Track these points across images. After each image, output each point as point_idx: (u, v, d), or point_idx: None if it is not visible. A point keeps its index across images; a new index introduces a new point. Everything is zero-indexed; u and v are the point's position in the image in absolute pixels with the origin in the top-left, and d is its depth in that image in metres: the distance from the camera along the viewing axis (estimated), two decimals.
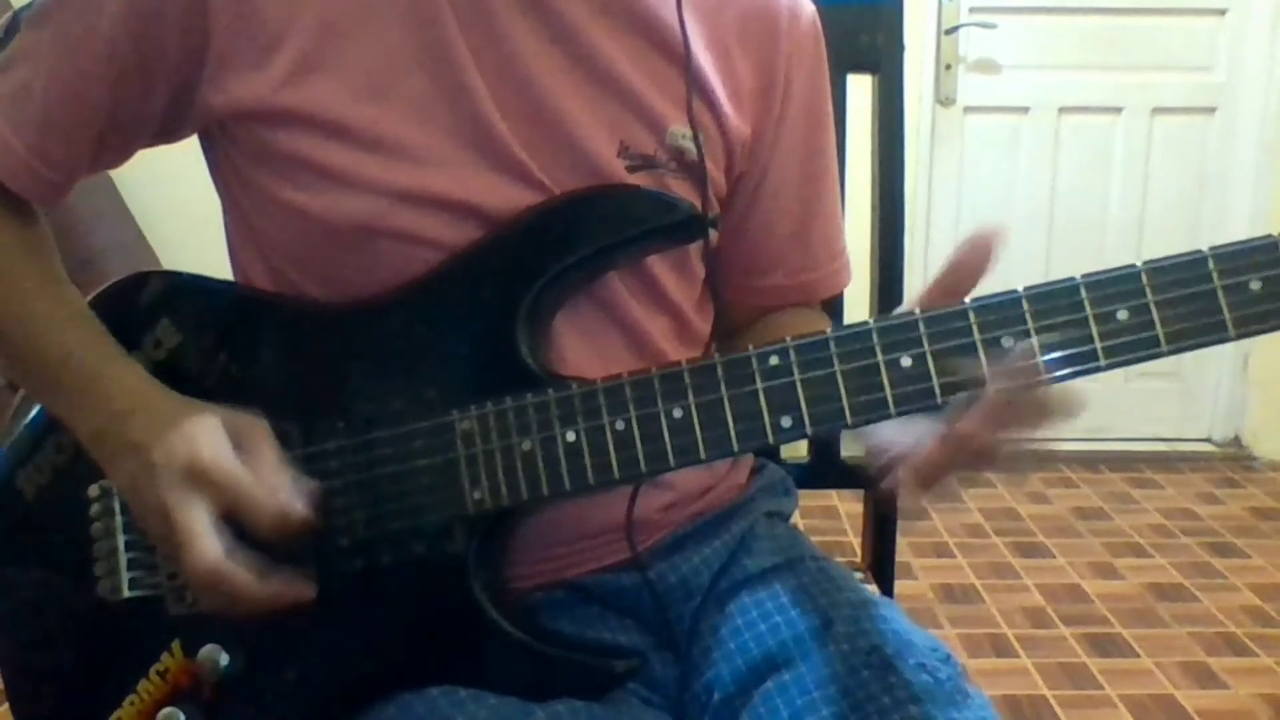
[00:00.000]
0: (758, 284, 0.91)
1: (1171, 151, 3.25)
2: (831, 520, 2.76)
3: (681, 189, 0.78)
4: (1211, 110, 3.25)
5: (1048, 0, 3.17)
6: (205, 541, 0.67)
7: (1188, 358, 3.78)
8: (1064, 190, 3.27)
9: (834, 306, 1.10)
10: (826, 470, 1.17)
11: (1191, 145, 3.26)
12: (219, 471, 0.68)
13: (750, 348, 0.67)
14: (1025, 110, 3.25)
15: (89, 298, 0.79)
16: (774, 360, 0.67)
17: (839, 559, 0.89)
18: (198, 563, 0.67)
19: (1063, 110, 3.24)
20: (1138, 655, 2.20)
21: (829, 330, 0.66)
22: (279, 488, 0.69)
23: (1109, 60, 3.20)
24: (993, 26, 3.15)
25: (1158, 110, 3.24)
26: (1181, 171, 3.26)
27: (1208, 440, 3.39)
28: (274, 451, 0.71)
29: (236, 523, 0.69)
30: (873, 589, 1.09)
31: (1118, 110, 3.24)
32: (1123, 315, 0.63)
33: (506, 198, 0.74)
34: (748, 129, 0.83)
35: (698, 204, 0.77)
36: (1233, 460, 3.31)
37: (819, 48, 0.88)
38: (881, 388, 0.65)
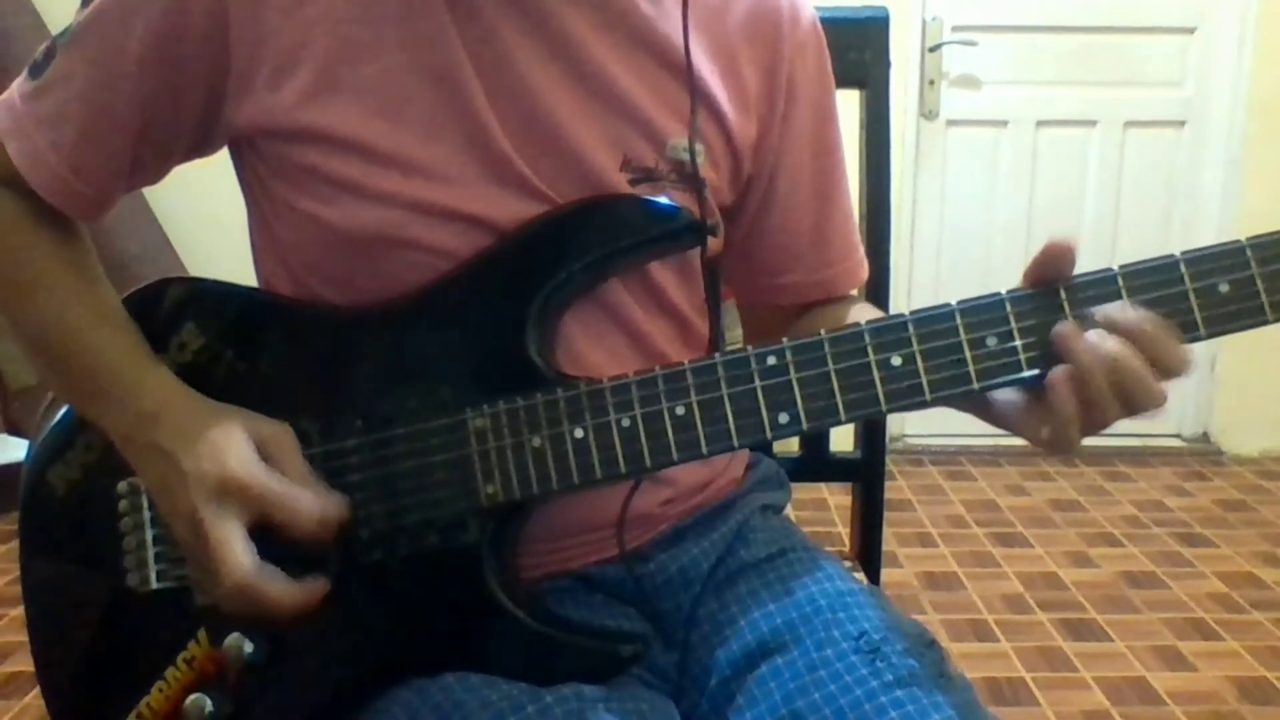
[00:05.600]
0: (777, 283, 0.89)
1: (1143, 163, 3.26)
2: (821, 512, 2.76)
3: (683, 200, 0.78)
4: (1181, 124, 3.25)
5: (1026, 19, 3.17)
6: (237, 556, 0.67)
7: None
8: (1041, 200, 3.27)
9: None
10: (817, 464, 1.17)
11: (1162, 157, 3.26)
12: (250, 483, 0.68)
13: (749, 348, 0.67)
14: (1004, 124, 3.25)
15: None
16: (771, 360, 0.67)
17: (829, 549, 0.89)
18: (230, 576, 0.67)
19: (1040, 124, 3.24)
20: (1111, 640, 2.20)
21: (823, 332, 0.67)
22: (312, 495, 0.69)
23: (1084, 76, 3.20)
24: (974, 44, 3.15)
25: (1130, 124, 3.24)
26: (1153, 182, 3.26)
27: (1177, 436, 3.39)
28: (300, 459, 0.71)
29: (264, 529, 0.69)
30: (860, 577, 1.09)
31: (1092, 124, 3.24)
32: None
33: (513, 210, 0.74)
34: (754, 131, 0.83)
35: (697, 213, 0.77)
36: (1201, 455, 3.31)
37: (821, 48, 0.86)
38: (873, 385, 0.65)
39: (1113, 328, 0.63)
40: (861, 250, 0.93)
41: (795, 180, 0.86)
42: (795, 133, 0.85)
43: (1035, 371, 0.64)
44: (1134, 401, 0.63)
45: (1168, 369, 0.63)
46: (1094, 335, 0.63)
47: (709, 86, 0.79)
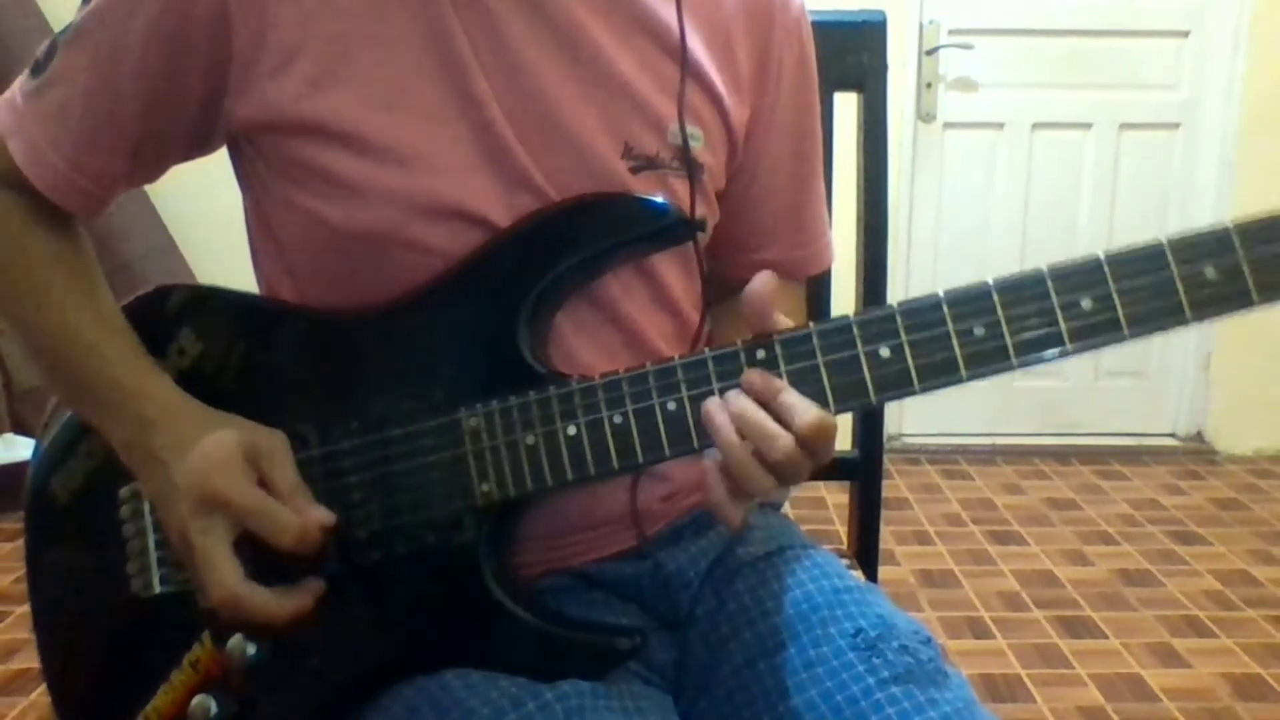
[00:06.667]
0: (753, 259, 0.89)
1: (1138, 165, 3.25)
2: (819, 510, 2.76)
3: (683, 187, 0.78)
4: (1175, 126, 3.24)
5: (1022, 22, 3.17)
6: (222, 570, 0.68)
7: (1153, 358, 3.76)
8: (1037, 201, 3.27)
9: (821, 294, 1.09)
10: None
11: (1157, 159, 3.25)
12: (233, 499, 0.68)
13: (738, 342, 0.67)
14: (1001, 126, 3.24)
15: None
16: (761, 354, 0.67)
17: (826, 547, 0.89)
18: (216, 591, 0.68)
19: (1036, 126, 3.24)
20: (1106, 637, 2.20)
21: (811, 324, 0.66)
22: (296, 509, 0.69)
23: (1079, 79, 3.20)
24: (970, 47, 3.15)
25: (1125, 126, 3.23)
26: (1147, 183, 3.26)
27: (1172, 435, 3.39)
28: (291, 470, 0.71)
29: (255, 539, 0.69)
30: (858, 575, 1.09)
31: (1087, 126, 3.24)
32: (1087, 303, 0.63)
33: (512, 206, 0.74)
34: (748, 113, 0.83)
35: (697, 200, 0.77)
36: (1195, 454, 3.30)
37: (806, 33, 0.86)
38: (862, 376, 0.65)
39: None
40: (830, 235, 0.93)
41: (776, 162, 0.86)
42: (779, 116, 0.85)
43: (1024, 358, 0.64)
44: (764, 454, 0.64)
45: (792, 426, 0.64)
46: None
47: (707, 72, 0.79)
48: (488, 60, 0.73)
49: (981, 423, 3.33)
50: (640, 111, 0.76)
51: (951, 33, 3.15)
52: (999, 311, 0.64)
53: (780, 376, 0.66)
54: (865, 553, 1.17)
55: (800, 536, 0.87)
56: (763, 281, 0.66)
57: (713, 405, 0.66)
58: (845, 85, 1.11)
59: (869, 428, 1.17)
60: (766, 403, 0.65)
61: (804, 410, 0.64)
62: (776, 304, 0.66)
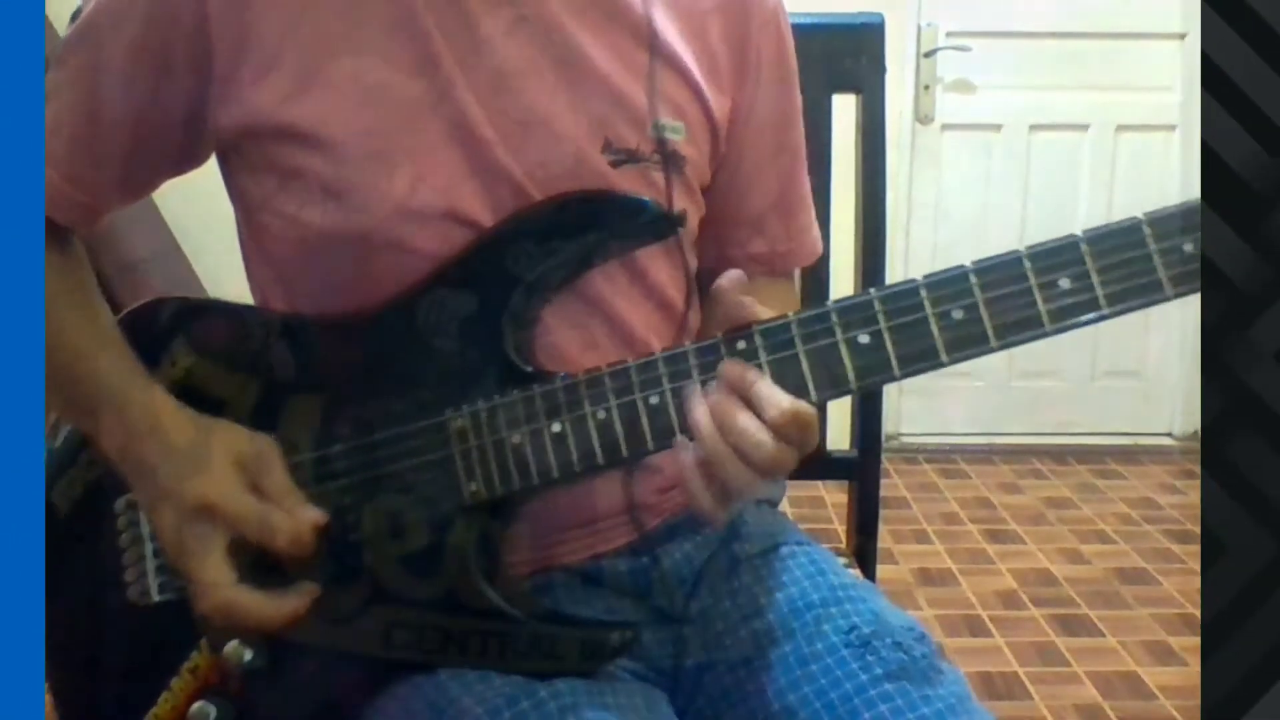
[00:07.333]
0: (741, 253, 0.88)
1: (1135, 166, 3.25)
2: (818, 509, 2.76)
3: (663, 181, 0.78)
4: (1172, 128, 3.24)
5: (1019, 25, 3.16)
6: (215, 576, 0.68)
7: (1150, 358, 3.74)
8: (1035, 202, 3.26)
9: (820, 297, 1.09)
10: (812, 462, 1.16)
11: (1153, 160, 3.25)
12: (224, 505, 0.68)
13: (719, 334, 0.67)
14: (998, 128, 3.24)
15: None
16: (741, 345, 0.67)
17: (824, 545, 0.89)
18: (210, 597, 0.68)
19: (1033, 127, 3.24)
20: (1103, 635, 2.20)
21: (790, 314, 0.66)
22: (286, 512, 0.69)
23: (1076, 81, 3.20)
24: (968, 49, 3.15)
25: (1122, 128, 3.23)
26: (1144, 184, 3.25)
27: (1168, 435, 3.38)
28: (282, 473, 0.71)
29: (248, 544, 0.69)
30: (856, 573, 1.09)
31: (1084, 127, 3.24)
32: (1064, 282, 0.63)
33: (494, 205, 0.74)
34: (728, 104, 0.82)
35: (679, 193, 0.77)
36: (1192, 453, 3.30)
37: (784, 26, 0.86)
38: (842, 364, 0.65)
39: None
40: (816, 227, 0.93)
41: (760, 154, 0.86)
42: (760, 108, 0.85)
43: (1003, 340, 0.64)
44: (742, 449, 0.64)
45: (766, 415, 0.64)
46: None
47: (686, 65, 0.79)
48: (465, 60, 0.73)
49: (979, 422, 3.33)
50: (619, 106, 0.76)
51: (949, 35, 3.15)
52: (977, 294, 0.64)
53: (760, 367, 0.66)
54: (863, 552, 1.17)
55: (797, 533, 0.87)
56: (730, 279, 0.66)
57: (695, 403, 0.66)
58: (843, 87, 1.11)
59: (867, 427, 1.17)
60: (742, 393, 0.64)
61: (777, 400, 0.64)
62: (747, 298, 0.66)
